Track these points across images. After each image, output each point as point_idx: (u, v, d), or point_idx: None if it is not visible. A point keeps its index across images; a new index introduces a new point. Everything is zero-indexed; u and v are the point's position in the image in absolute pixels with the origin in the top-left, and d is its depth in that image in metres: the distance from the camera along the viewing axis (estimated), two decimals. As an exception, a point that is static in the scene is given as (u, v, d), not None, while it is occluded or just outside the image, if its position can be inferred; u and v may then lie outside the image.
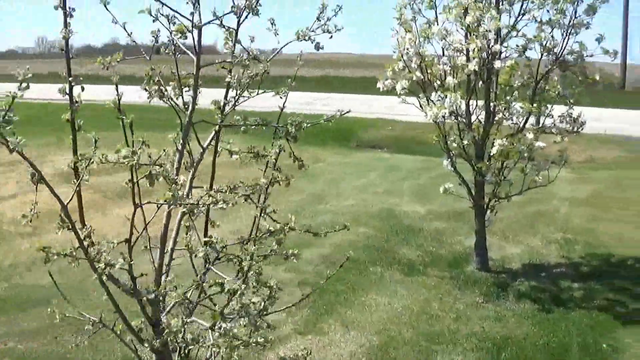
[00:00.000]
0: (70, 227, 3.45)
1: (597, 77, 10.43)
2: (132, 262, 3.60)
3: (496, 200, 10.66)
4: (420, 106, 10.36)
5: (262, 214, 4.02)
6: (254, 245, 3.69)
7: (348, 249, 9.29)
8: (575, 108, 10.35)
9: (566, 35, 9.96)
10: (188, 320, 3.44)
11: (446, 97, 9.66)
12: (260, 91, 4.08)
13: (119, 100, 3.67)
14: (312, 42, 4.16)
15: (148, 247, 3.67)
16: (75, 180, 3.63)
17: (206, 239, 3.78)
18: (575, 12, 9.90)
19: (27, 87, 3.05)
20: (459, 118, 10.30)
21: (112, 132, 3.88)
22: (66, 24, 3.31)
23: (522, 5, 9.75)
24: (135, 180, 3.64)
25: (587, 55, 10.09)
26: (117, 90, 3.72)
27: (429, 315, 9.25)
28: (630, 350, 8.37)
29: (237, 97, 4.01)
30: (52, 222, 12.19)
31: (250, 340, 3.18)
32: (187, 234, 3.97)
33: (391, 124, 29.16)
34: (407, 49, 10.06)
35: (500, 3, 9.75)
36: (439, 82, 10.13)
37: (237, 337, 3.15)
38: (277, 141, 4.29)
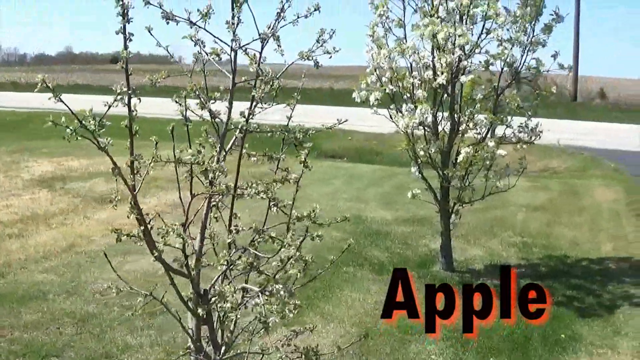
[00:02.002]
0: (138, 213, 4.01)
1: (554, 90, 11.28)
2: (187, 241, 4.21)
3: (460, 204, 11.46)
4: (391, 117, 11.11)
5: (275, 206, 4.69)
6: (288, 231, 4.40)
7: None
8: (532, 119, 11.20)
9: (525, 52, 10.81)
10: (239, 286, 4.15)
11: (416, 108, 10.42)
12: (274, 104, 4.77)
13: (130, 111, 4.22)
14: (313, 62, 4.87)
15: (181, 234, 4.25)
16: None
17: (234, 227, 4.48)
18: (533, 31, 10.76)
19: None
20: (427, 128, 11.08)
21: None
22: (126, 46, 4.00)
23: (484, 24, 10.55)
24: (192, 174, 4.22)
25: (544, 71, 10.96)
26: (129, 103, 4.26)
27: (400, 310, 10.00)
28: (587, 339, 9.18)
29: (252, 108, 4.69)
30: (36, 225, 12.93)
31: (290, 302, 3.92)
32: (215, 221, 4.65)
33: (350, 135, 29.97)
34: (380, 64, 10.81)
35: (465, 22, 10.53)
36: (408, 95, 10.89)
37: (286, 296, 3.89)
38: (286, 146, 4.99)
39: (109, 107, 3.77)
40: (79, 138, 3.71)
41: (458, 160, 10.82)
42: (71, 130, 3.66)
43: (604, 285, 11.33)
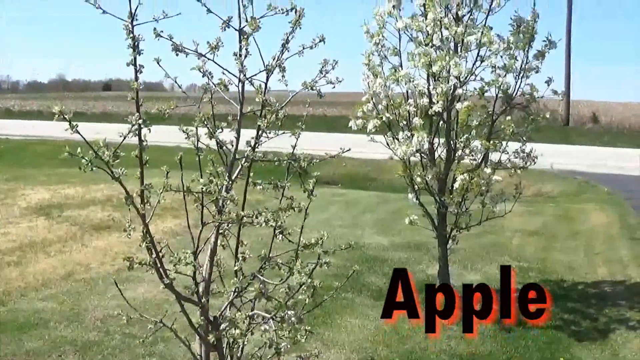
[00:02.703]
0: (149, 241, 4.10)
1: (547, 116, 11.43)
2: (198, 269, 4.30)
3: (457, 230, 11.55)
4: (388, 144, 11.22)
5: (280, 234, 4.78)
6: (296, 259, 4.50)
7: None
8: (527, 144, 11.34)
9: (518, 78, 10.96)
10: (250, 313, 4.24)
11: (413, 136, 10.53)
12: (280, 132, 4.88)
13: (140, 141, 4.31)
14: (316, 92, 4.98)
15: (193, 262, 4.34)
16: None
17: (241, 254, 4.58)
18: (527, 58, 10.91)
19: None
20: (423, 155, 11.19)
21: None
22: (137, 78, 4.11)
23: (478, 52, 10.68)
24: (202, 203, 4.31)
25: (538, 97, 11.10)
26: (140, 134, 4.34)
27: (399, 335, 10.06)
28: (585, 363, 9.29)
29: (258, 137, 4.80)
30: (34, 253, 13.00)
31: (300, 328, 4.02)
32: (223, 249, 4.74)
33: (344, 161, 30.08)
34: (377, 92, 10.93)
35: (460, 50, 10.67)
36: (405, 122, 11.01)
37: (296, 322, 3.99)
38: (290, 174, 5.09)
39: (124, 138, 3.89)
40: (94, 169, 3.80)
41: (455, 187, 10.92)
42: (87, 160, 3.75)
43: (601, 308, 11.41)
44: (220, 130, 4.62)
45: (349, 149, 5.34)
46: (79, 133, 3.97)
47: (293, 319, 4.11)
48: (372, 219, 18.90)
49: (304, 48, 4.60)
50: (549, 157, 26.89)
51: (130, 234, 4.19)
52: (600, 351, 9.68)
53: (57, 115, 3.90)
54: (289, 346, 4.09)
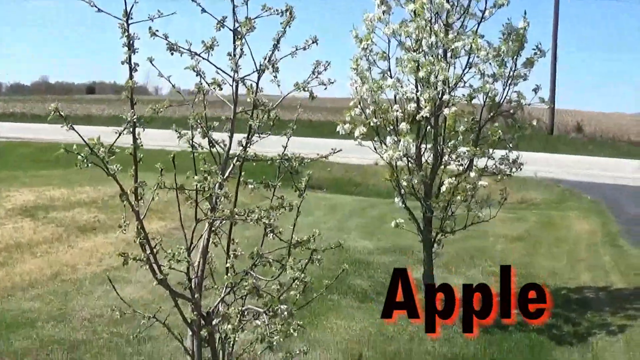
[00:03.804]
0: (144, 236, 4.17)
1: (534, 123, 11.56)
2: (191, 265, 4.38)
3: (443, 234, 11.65)
4: (375, 149, 11.31)
5: (271, 232, 4.87)
6: (289, 255, 4.59)
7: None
8: (513, 151, 11.46)
9: (506, 85, 11.07)
10: (243, 308, 4.32)
11: (399, 140, 10.63)
12: (271, 133, 4.96)
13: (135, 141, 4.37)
14: (308, 93, 5.06)
15: (186, 257, 4.40)
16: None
17: (233, 252, 4.67)
18: (515, 65, 11.03)
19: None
20: (410, 159, 11.29)
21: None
22: (131, 76, 4.19)
23: (468, 58, 10.80)
24: (197, 200, 4.38)
25: (526, 104, 11.23)
26: (134, 132, 4.41)
27: (385, 336, 10.18)
28: (566, 366, 9.42)
29: (250, 137, 4.88)
30: (21, 253, 13.01)
31: (292, 322, 4.11)
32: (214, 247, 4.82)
33: (330, 166, 30.17)
34: (364, 97, 11.02)
35: (448, 57, 10.78)
36: (392, 127, 11.10)
37: (288, 316, 4.08)
38: (281, 174, 5.18)
39: (119, 134, 3.97)
40: (89, 165, 3.87)
41: (441, 191, 11.03)
42: (82, 157, 3.83)
43: (582, 313, 11.55)
44: (212, 129, 4.70)
45: (340, 150, 5.43)
46: (75, 130, 4.04)
47: (285, 313, 4.20)
48: (358, 223, 19.01)
49: (297, 49, 4.68)
50: (533, 165, 27.09)
51: (125, 230, 4.26)
52: (581, 355, 9.82)
53: (52, 112, 3.97)
54: (281, 340, 4.17)
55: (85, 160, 3.94)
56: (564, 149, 43.06)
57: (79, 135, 4.02)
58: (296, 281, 4.37)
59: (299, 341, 9.69)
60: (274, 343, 4.12)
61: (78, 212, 18.51)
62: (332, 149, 5.30)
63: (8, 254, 13.98)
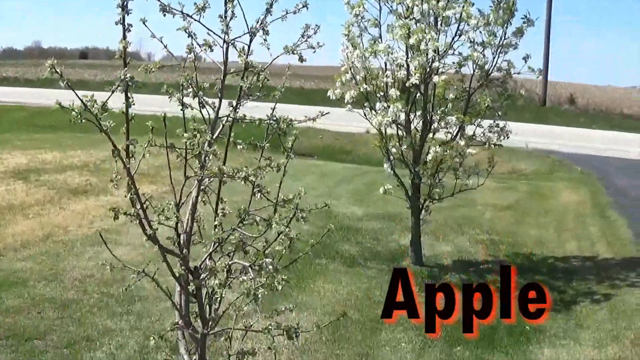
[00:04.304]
0: (134, 192, 4.27)
1: (522, 93, 11.69)
2: (180, 221, 4.49)
3: (431, 201, 11.81)
4: (365, 115, 11.44)
5: (259, 192, 4.97)
6: (275, 212, 4.71)
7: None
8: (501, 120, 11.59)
9: (496, 54, 11.19)
10: (230, 262, 4.45)
11: (389, 107, 10.75)
12: (260, 95, 5.04)
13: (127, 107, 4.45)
14: (297, 56, 5.15)
15: (175, 213, 4.48)
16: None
17: (221, 209, 4.79)
18: (505, 34, 11.14)
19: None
20: (399, 126, 11.42)
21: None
22: (125, 37, 4.28)
23: (458, 26, 10.91)
24: (186, 157, 4.45)
25: (514, 73, 11.35)
26: (127, 91, 4.48)
27: (372, 300, 10.33)
28: (551, 332, 9.57)
29: (240, 98, 4.97)
30: (13, 215, 13.08)
31: (277, 276, 4.25)
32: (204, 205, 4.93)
33: (321, 133, 30.30)
34: (355, 63, 11.13)
35: (439, 24, 10.89)
36: (382, 93, 11.22)
37: (273, 270, 4.22)
38: (270, 136, 5.27)
39: (112, 91, 4.05)
40: (83, 121, 3.97)
41: (428, 158, 11.15)
42: (77, 112, 3.92)
43: (568, 281, 11.73)
44: (202, 89, 4.79)
45: (328, 112, 5.50)
46: (71, 88, 4.13)
47: (270, 267, 4.32)
48: (347, 189, 19.18)
49: (287, 13, 4.76)
50: (525, 136, 27.28)
51: (117, 184, 4.34)
52: (565, 321, 9.99)
53: (49, 69, 4.06)
54: (266, 293, 4.30)
55: (79, 116, 4.02)
56: (556, 120, 43.25)
57: (75, 92, 4.10)
58: (281, 235, 4.48)
59: (286, 304, 9.88)
60: (259, 296, 4.24)
61: (70, 175, 18.60)
62: (319, 112, 5.36)
63: (0, 216, 14.07)
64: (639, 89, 71.86)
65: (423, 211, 12.02)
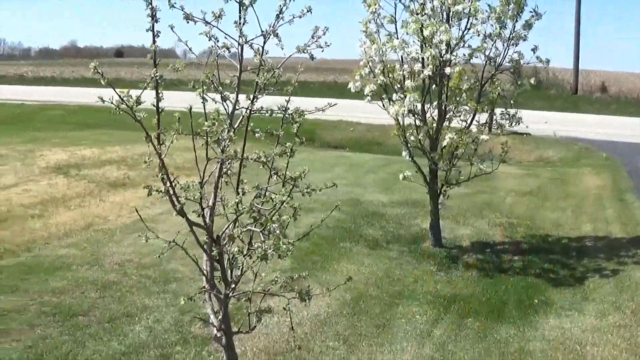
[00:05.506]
0: (165, 172, 5.01)
1: (532, 81, 12.29)
2: (203, 195, 5.23)
3: (448, 185, 12.50)
4: (383, 106, 12.13)
5: (275, 175, 5.70)
6: (283, 186, 5.45)
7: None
8: (520, 110, 12.24)
9: (507, 46, 11.84)
10: (245, 229, 5.21)
11: (405, 97, 11.43)
12: (275, 89, 5.77)
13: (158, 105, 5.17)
14: (308, 54, 5.86)
15: (200, 189, 5.19)
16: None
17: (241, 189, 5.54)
18: (514, 27, 11.78)
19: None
20: (416, 116, 12.10)
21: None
22: (154, 41, 5.04)
23: (468, 20, 11.55)
24: (207, 142, 5.15)
25: (524, 63, 11.99)
26: (157, 87, 5.21)
27: (391, 279, 11.07)
28: (557, 304, 10.26)
29: (256, 92, 5.70)
30: (55, 207, 13.90)
31: (283, 240, 5.01)
32: (226, 185, 5.66)
33: (352, 126, 31.03)
34: (372, 57, 11.82)
35: (450, 19, 11.54)
36: (399, 85, 11.90)
37: (281, 235, 4.98)
38: (285, 125, 5.99)
39: (145, 87, 4.80)
40: (120, 112, 4.72)
41: (443, 145, 11.82)
42: (115, 105, 4.69)
43: (579, 259, 12.39)
44: (222, 85, 5.52)
45: (336, 104, 6.19)
46: (112, 87, 4.88)
47: (277, 231, 5.08)
48: (374, 178, 19.87)
49: (294, 17, 5.47)
50: (555, 125, 27.75)
51: (149, 164, 5.08)
52: (572, 295, 10.65)
53: (92, 70, 4.82)
54: (274, 253, 5.03)
55: (117, 108, 4.78)
56: (587, 108, 43.50)
57: (114, 89, 4.86)
58: (285, 203, 5.20)
59: (311, 282, 10.63)
60: (268, 256, 4.98)
61: (108, 170, 19.47)
62: (328, 103, 6.05)
63: (44, 207, 14.92)
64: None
65: (441, 196, 12.70)
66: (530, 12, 11.87)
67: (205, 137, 5.15)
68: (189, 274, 10.61)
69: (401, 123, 12.01)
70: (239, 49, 5.33)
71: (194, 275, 10.57)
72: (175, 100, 6.48)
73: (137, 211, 6.18)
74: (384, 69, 11.82)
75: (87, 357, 8.13)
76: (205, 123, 5.06)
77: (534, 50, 11.84)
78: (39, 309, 9.39)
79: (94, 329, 8.86)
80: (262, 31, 5.42)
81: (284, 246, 4.99)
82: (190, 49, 5.46)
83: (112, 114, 4.80)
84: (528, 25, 11.85)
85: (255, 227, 5.39)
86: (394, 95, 11.73)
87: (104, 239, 12.68)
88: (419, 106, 11.93)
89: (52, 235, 12.86)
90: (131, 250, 11.86)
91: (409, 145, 12.27)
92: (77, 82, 62.52)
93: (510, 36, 11.75)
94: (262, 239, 5.13)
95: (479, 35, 11.53)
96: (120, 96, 4.73)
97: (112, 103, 4.73)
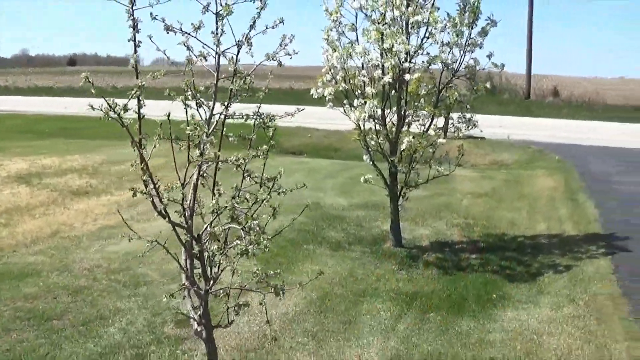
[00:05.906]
0: (148, 175, 5.32)
1: (487, 86, 12.73)
2: (185, 195, 5.55)
3: (407, 188, 12.91)
4: (345, 111, 12.50)
5: (248, 176, 6.04)
6: (260, 187, 5.79)
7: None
8: (475, 114, 12.69)
9: (463, 52, 12.28)
10: (227, 226, 5.54)
11: (366, 103, 11.81)
12: (247, 95, 6.10)
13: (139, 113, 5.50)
14: (277, 62, 6.21)
15: (182, 190, 5.52)
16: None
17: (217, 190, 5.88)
18: (470, 34, 12.22)
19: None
20: (376, 120, 12.49)
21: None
22: (135, 51, 5.36)
23: (427, 29, 11.96)
24: (189, 144, 5.46)
25: (480, 69, 12.44)
26: (139, 96, 5.53)
27: (354, 278, 11.45)
28: (514, 298, 10.73)
29: (230, 98, 6.03)
30: (20, 215, 14.07)
31: (263, 235, 5.35)
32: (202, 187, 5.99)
33: (310, 132, 31.38)
34: (334, 64, 12.19)
35: (409, 28, 11.95)
36: (359, 91, 12.28)
37: (260, 230, 5.33)
38: (256, 129, 6.33)
39: (131, 97, 5.12)
40: (109, 119, 5.03)
41: (402, 149, 12.22)
42: (105, 112, 5.00)
43: (535, 256, 12.88)
44: (199, 92, 5.84)
45: (304, 109, 6.55)
46: (103, 98, 5.17)
47: (257, 228, 5.43)
48: (334, 183, 20.27)
49: (267, 28, 5.81)
50: (509, 129, 28.29)
51: (135, 166, 5.38)
52: (528, 289, 11.12)
53: (83, 80, 5.12)
54: (255, 248, 5.37)
55: (106, 115, 5.10)
56: (540, 112, 44.27)
57: (104, 99, 5.16)
58: (264, 201, 5.55)
59: (277, 282, 10.95)
60: (249, 251, 5.32)
61: (70, 178, 19.66)
62: (297, 108, 6.41)
63: (9, 216, 15.10)
64: (625, 79, 73.07)
65: (401, 198, 13.10)
66: (486, 19, 12.32)
67: (187, 142, 5.46)
68: (159, 278, 10.93)
69: (362, 128, 12.38)
70: (217, 58, 5.66)
71: (163, 279, 10.88)
72: (150, 108, 6.81)
73: (119, 212, 6.46)
74: (345, 75, 12.18)
75: (65, 359, 8.40)
76: (188, 128, 5.38)
77: (489, 56, 12.28)
78: (13, 314, 9.64)
79: (69, 332, 9.12)
80: (236, 41, 5.75)
81: (265, 242, 5.33)
82: (168, 58, 5.77)
83: (104, 121, 5.09)
84: (484, 32, 12.29)
85: (234, 225, 5.72)
86: (355, 101, 12.10)
87: (71, 246, 12.91)
88: (379, 111, 12.32)
89: (19, 243, 13.07)
90: (99, 257, 12.12)
91: (369, 149, 12.65)
92: (32, 92, 62.26)
93: (467, 43, 12.18)
94: (243, 235, 5.46)
95: (437, 43, 11.96)
96: (109, 104, 5.04)
97: (100, 109, 5.04)
